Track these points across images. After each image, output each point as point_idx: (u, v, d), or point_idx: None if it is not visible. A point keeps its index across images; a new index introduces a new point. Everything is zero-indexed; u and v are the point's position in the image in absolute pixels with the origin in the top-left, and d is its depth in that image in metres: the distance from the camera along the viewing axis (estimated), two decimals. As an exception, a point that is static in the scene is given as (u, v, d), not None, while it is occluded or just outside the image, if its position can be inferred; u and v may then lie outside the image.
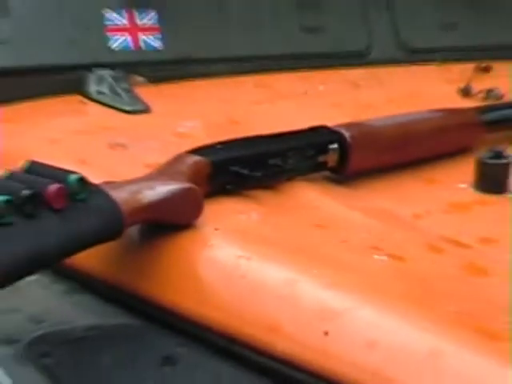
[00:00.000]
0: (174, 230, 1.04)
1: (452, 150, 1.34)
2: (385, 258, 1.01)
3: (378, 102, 1.52)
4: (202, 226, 1.04)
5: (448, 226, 1.12)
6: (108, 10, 1.61)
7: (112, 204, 0.96)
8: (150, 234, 1.04)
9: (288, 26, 1.76)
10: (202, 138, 1.17)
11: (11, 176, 0.94)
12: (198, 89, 1.62)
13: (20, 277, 0.88)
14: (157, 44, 1.64)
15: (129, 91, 1.53)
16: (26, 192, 0.89)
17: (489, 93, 1.65)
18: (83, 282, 1.07)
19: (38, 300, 1.05)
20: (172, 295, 1.00)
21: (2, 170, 0.95)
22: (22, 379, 0.92)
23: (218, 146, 1.13)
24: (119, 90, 1.53)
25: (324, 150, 1.20)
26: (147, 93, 1.54)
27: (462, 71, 1.76)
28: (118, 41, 1.61)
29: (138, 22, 1.63)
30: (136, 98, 1.51)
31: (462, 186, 1.24)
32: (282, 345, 0.90)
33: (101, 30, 1.60)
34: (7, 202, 0.87)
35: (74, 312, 1.04)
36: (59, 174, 0.94)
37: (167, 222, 1.04)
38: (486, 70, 1.80)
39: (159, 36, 1.64)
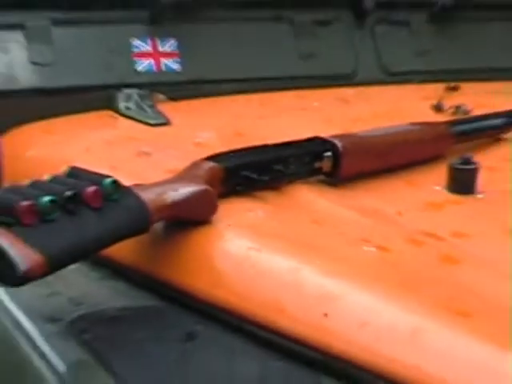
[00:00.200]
0: (193, 226, 1.03)
1: (428, 157, 1.33)
2: (373, 249, 1.01)
3: (364, 117, 1.52)
4: (216, 222, 1.04)
5: (425, 222, 1.12)
6: (135, 39, 1.61)
7: (140, 203, 0.96)
8: (172, 229, 1.04)
9: (287, 52, 1.76)
10: (216, 147, 1.17)
11: (55, 179, 0.94)
12: (211, 105, 1.61)
13: (63, 265, 0.88)
14: (176, 67, 1.63)
15: (152, 107, 1.53)
16: (67, 193, 0.89)
17: (457, 109, 1.64)
18: (116, 270, 1.07)
19: (78, 285, 1.04)
20: (192, 281, 1.00)
21: (47, 174, 0.95)
22: (65, 352, 0.91)
23: (230, 154, 1.13)
24: (144, 106, 1.52)
25: (319, 158, 1.19)
26: (168, 108, 1.54)
27: (434, 90, 1.76)
28: (143, 64, 1.61)
29: (160, 48, 1.63)
30: (158, 113, 1.51)
31: (437, 187, 1.23)
32: (287, 324, 0.90)
33: (129, 55, 1.60)
34: (52, 201, 0.87)
35: (108, 295, 1.04)
36: (95, 178, 0.94)
37: (187, 218, 1.04)
38: (455, 89, 1.80)
39: (178, 60, 1.63)
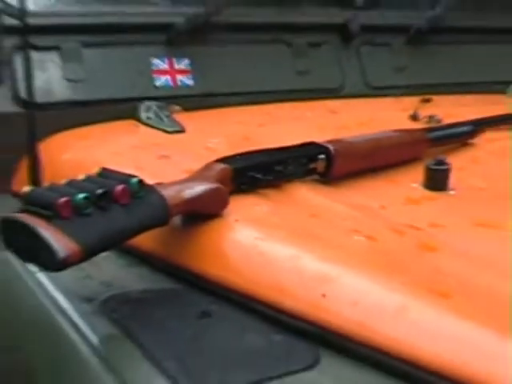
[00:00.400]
0: (207, 219, 1.02)
1: (407, 159, 1.33)
2: (362, 238, 1.00)
3: (351, 125, 1.51)
4: (227, 216, 1.03)
5: (406, 215, 1.11)
6: (154, 58, 1.60)
7: (162, 200, 0.96)
8: (189, 221, 1.03)
9: (285, 69, 1.75)
10: (224, 151, 1.16)
11: (88, 179, 0.93)
12: (220, 115, 1.61)
13: (96, 253, 0.87)
14: (189, 82, 1.63)
15: (169, 117, 1.52)
16: (99, 191, 0.89)
17: (430, 118, 1.64)
18: (141, 257, 1.06)
19: (108, 270, 1.04)
20: (206, 266, 0.99)
21: (80, 174, 0.94)
22: (98, 328, 0.91)
23: (238, 157, 1.12)
24: (162, 116, 1.51)
25: (314, 160, 1.19)
26: (182, 118, 1.53)
27: (410, 102, 1.75)
28: (161, 80, 1.60)
29: (176, 66, 1.62)
30: (174, 122, 1.50)
31: (415, 185, 1.23)
32: (289, 303, 0.90)
33: (149, 72, 1.59)
34: (86, 198, 0.87)
35: (134, 279, 1.03)
36: (123, 178, 0.93)
37: (202, 212, 1.03)
38: (428, 101, 1.79)
39: (191, 76, 1.63)
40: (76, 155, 1.36)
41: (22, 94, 1.40)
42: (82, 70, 1.51)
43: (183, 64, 1.63)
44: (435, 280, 0.90)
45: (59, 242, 0.82)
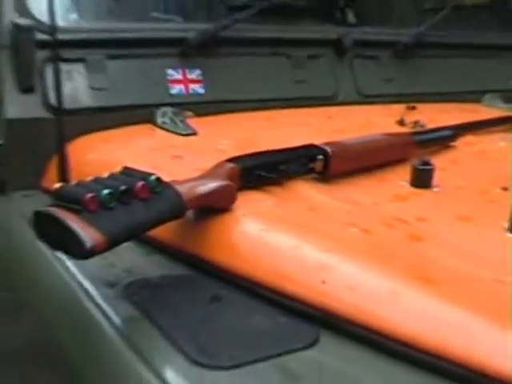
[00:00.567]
0: (218, 213, 1.02)
1: (395, 160, 1.31)
2: (357, 230, 0.99)
3: (345, 129, 1.50)
4: (235, 210, 1.02)
5: (395, 210, 1.10)
6: (169, 69, 1.59)
7: (177, 195, 0.95)
8: (201, 215, 1.02)
9: (285, 79, 1.74)
10: (232, 152, 1.15)
11: (112, 176, 0.93)
12: (229, 120, 1.59)
13: (119, 243, 0.87)
14: (201, 90, 1.61)
15: (183, 121, 1.51)
16: (122, 187, 0.88)
17: (415, 123, 1.63)
18: (158, 247, 1.05)
19: (129, 258, 1.02)
20: (217, 255, 0.98)
21: (104, 173, 0.93)
22: (121, 309, 0.90)
23: (245, 157, 1.11)
24: (176, 121, 1.50)
25: (314, 160, 1.17)
26: (195, 122, 1.52)
27: (397, 109, 1.74)
28: (175, 89, 1.59)
29: (189, 76, 1.61)
30: (188, 126, 1.49)
31: (403, 183, 1.22)
32: (292, 288, 0.89)
33: (164, 82, 1.58)
34: (110, 193, 0.86)
35: (152, 266, 1.02)
36: (143, 175, 0.93)
37: (213, 207, 1.02)
38: (413, 108, 1.78)
39: (202, 85, 1.62)
40: (99, 156, 1.35)
41: (52, 101, 1.39)
42: (105, 80, 1.50)
43: (195, 74, 1.62)
44: (422, 267, 0.90)
45: (87, 233, 0.81)
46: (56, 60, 1.21)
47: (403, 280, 0.85)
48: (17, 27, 1.39)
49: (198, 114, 1.57)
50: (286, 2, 1.76)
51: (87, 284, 0.97)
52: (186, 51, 1.61)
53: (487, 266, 0.90)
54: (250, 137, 1.41)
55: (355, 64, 1.85)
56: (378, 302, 0.82)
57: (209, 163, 1.09)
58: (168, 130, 1.48)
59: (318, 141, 1.22)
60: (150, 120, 1.51)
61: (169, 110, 1.53)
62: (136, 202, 0.89)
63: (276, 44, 1.73)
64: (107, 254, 0.86)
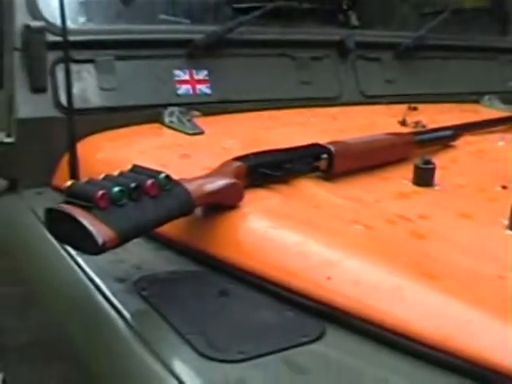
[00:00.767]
0: (225, 210, 1.02)
1: (397, 159, 1.31)
2: (361, 227, 0.99)
3: (348, 129, 1.49)
4: (242, 207, 1.02)
5: (397, 207, 1.10)
6: (176, 70, 1.59)
7: (186, 193, 0.95)
8: (209, 212, 1.02)
9: (290, 80, 1.74)
10: (238, 151, 1.15)
11: (122, 174, 0.93)
12: (234, 119, 1.59)
13: (129, 239, 0.87)
14: (207, 91, 1.61)
15: (190, 121, 1.51)
16: (132, 185, 0.88)
17: (417, 124, 1.62)
18: (167, 243, 1.05)
19: (138, 254, 1.02)
20: (224, 251, 0.98)
21: (112, 171, 0.93)
22: (130, 304, 0.90)
23: (251, 156, 1.11)
24: (184, 120, 1.50)
25: (318, 159, 1.18)
26: (201, 122, 1.52)
27: (399, 110, 1.74)
28: (182, 89, 1.59)
29: (195, 77, 1.61)
30: (194, 125, 1.49)
31: (405, 181, 1.22)
32: (297, 283, 0.89)
33: (172, 82, 1.58)
34: (121, 191, 0.86)
35: (161, 262, 1.02)
36: (152, 173, 0.93)
37: (220, 204, 1.02)
38: (415, 109, 1.78)
39: (209, 86, 1.62)
40: (109, 154, 1.35)
41: (63, 100, 1.39)
42: (114, 80, 1.50)
43: (202, 75, 1.62)
44: (425, 263, 0.89)
45: (98, 229, 0.81)
46: (67, 61, 1.20)
47: (407, 276, 0.85)
48: (28, 29, 1.39)
49: (205, 114, 1.57)
50: (291, 5, 1.75)
51: (98, 279, 0.97)
52: (193, 52, 1.61)
53: (489, 263, 0.90)
54: (256, 136, 1.41)
55: (358, 65, 1.85)
56: (382, 297, 0.82)
57: (215, 162, 1.08)
58: (175, 130, 1.48)
59: (322, 140, 1.21)
60: (158, 120, 1.51)
61: (176, 109, 1.53)
62: (146, 199, 0.89)
63: (280, 46, 1.73)
64: (117, 250, 0.86)
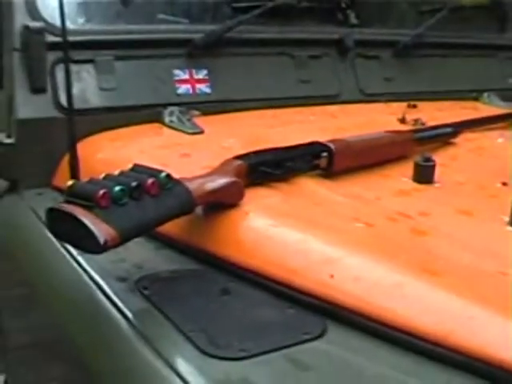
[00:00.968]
0: (226, 208, 1.02)
1: (397, 156, 1.31)
2: (361, 224, 0.99)
3: (347, 127, 1.49)
4: (243, 205, 1.02)
5: (398, 204, 1.10)
6: (176, 70, 1.58)
7: (187, 192, 0.95)
8: (210, 210, 1.02)
9: (290, 79, 1.73)
10: (238, 150, 1.15)
11: (123, 173, 0.93)
12: (234, 118, 1.59)
13: (131, 238, 0.87)
14: (207, 90, 1.61)
15: (189, 120, 1.51)
16: (133, 184, 0.88)
17: (416, 121, 1.62)
18: (168, 242, 1.05)
19: (139, 253, 1.02)
20: (225, 249, 0.98)
21: (112, 170, 0.93)
22: (132, 303, 0.90)
23: (252, 154, 1.11)
24: (183, 120, 1.50)
25: (318, 157, 1.18)
26: (201, 121, 1.51)
27: (398, 108, 1.73)
28: (182, 88, 1.58)
29: (195, 76, 1.60)
30: (194, 125, 1.49)
31: (405, 179, 1.22)
32: (299, 281, 0.89)
33: (171, 82, 1.57)
34: (122, 190, 0.86)
35: (162, 261, 1.02)
36: (153, 172, 0.93)
37: (221, 203, 1.02)
38: (414, 107, 1.78)
39: (208, 85, 1.61)
40: (109, 154, 1.35)
41: (62, 101, 1.39)
42: (113, 80, 1.50)
43: (201, 74, 1.62)
44: (426, 260, 0.90)
45: (100, 228, 0.81)
46: (66, 61, 1.20)
47: (408, 272, 0.85)
48: (28, 30, 1.39)
49: (205, 113, 1.56)
50: (290, 4, 1.75)
51: (99, 279, 0.97)
52: (192, 52, 1.61)
53: (489, 259, 0.90)
54: (256, 135, 1.41)
55: (357, 63, 1.84)
56: (383, 294, 0.82)
57: (216, 161, 1.08)
58: (175, 129, 1.48)
59: (322, 138, 1.21)
60: (158, 119, 1.51)
61: (176, 109, 1.53)
62: (147, 198, 0.89)
63: (280, 44, 1.73)
64: (118, 249, 0.86)
